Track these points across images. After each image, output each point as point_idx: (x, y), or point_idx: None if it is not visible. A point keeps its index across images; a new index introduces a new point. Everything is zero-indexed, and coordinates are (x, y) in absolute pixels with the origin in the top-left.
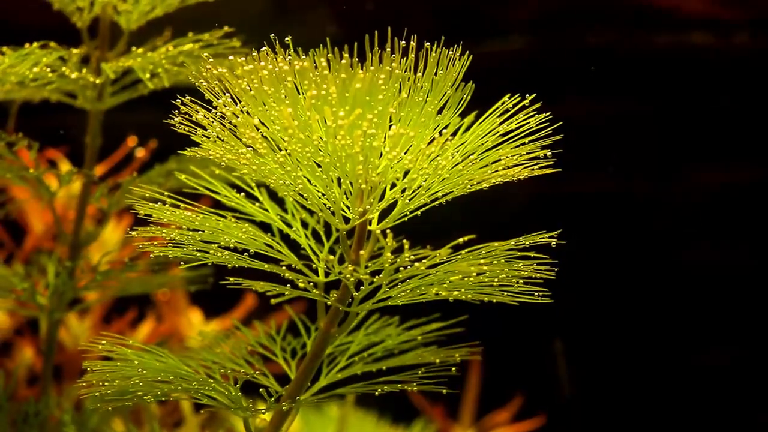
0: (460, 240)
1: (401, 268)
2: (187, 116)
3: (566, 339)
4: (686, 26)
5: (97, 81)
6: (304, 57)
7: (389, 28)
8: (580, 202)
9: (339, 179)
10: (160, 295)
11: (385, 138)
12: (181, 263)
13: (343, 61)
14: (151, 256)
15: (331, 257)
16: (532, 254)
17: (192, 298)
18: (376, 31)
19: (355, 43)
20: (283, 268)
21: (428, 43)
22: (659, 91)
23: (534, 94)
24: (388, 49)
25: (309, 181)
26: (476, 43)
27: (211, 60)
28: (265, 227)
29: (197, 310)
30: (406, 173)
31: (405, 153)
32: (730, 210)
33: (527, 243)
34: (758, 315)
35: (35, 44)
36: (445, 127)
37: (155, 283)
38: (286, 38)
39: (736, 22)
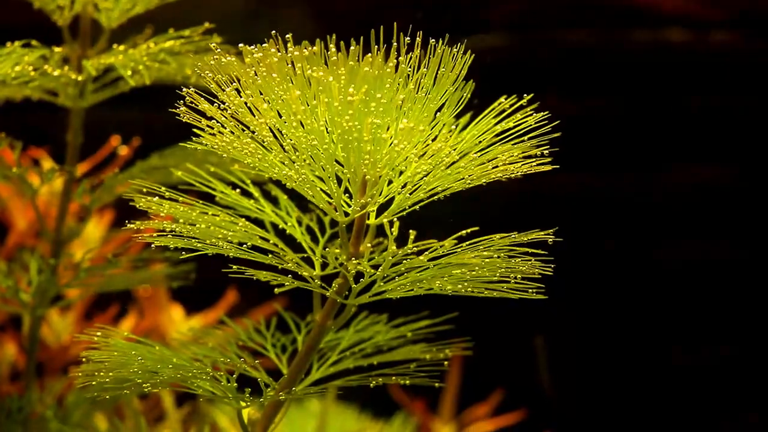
0: (463, 232)
1: (404, 259)
2: (192, 106)
3: (547, 334)
4: (664, 24)
5: (79, 78)
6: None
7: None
8: (561, 199)
9: (342, 172)
10: (141, 291)
11: (394, 131)
12: (179, 256)
13: (352, 48)
14: (153, 246)
15: (337, 243)
16: (528, 250)
17: (173, 294)
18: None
19: (361, 37)
20: (288, 257)
21: (433, 40)
22: (638, 89)
23: (524, 93)
24: (395, 44)
25: (310, 174)
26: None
27: (219, 50)
28: (258, 225)
29: (178, 306)
30: (406, 167)
31: (407, 147)
32: (708, 207)
33: (525, 239)
34: (740, 312)
35: (17, 43)
36: (445, 124)
37: (137, 279)
38: (288, 35)
39: (714, 20)
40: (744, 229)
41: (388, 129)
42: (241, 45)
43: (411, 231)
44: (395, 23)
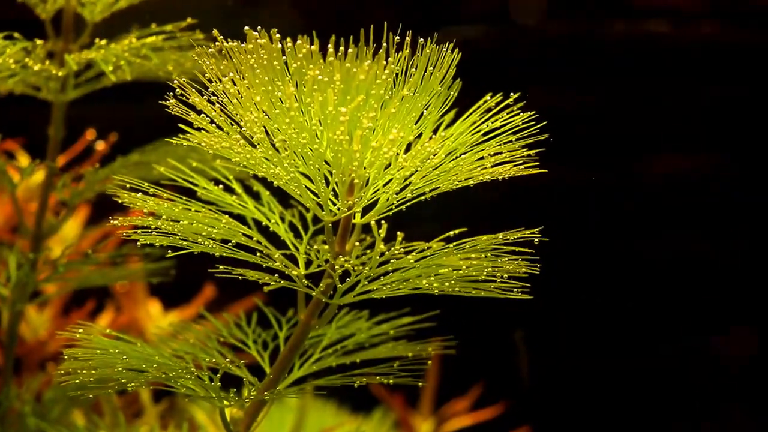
0: (451, 233)
1: (392, 260)
2: (180, 98)
3: (527, 328)
4: (645, 15)
5: (60, 73)
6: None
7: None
8: (541, 193)
9: (331, 172)
10: (118, 287)
11: (382, 130)
12: (158, 252)
13: (350, 51)
14: (138, 244)
15: (325, 246)
16: (515, 249)
17: (150, 289)
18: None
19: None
20: (275, 255)
21: (422, 40)
22: (619, 80)
23: (503, 86)
24: (384, 45)
25: (296, 173)
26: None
27: (221, 37)
28: (241, 221)
29: (156, 301)
30: (388, 166)
31: (393, 147)
32: (689, 198)
33: (511, 238)
34: (722, 304)
35: None
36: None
37: (115, 275)
38: (273, 29)
39: (696, 11)
40: (727, 221)
41: (374, 131)
42: (246, 28)
43: (399, 233)
44: (385, 23)
